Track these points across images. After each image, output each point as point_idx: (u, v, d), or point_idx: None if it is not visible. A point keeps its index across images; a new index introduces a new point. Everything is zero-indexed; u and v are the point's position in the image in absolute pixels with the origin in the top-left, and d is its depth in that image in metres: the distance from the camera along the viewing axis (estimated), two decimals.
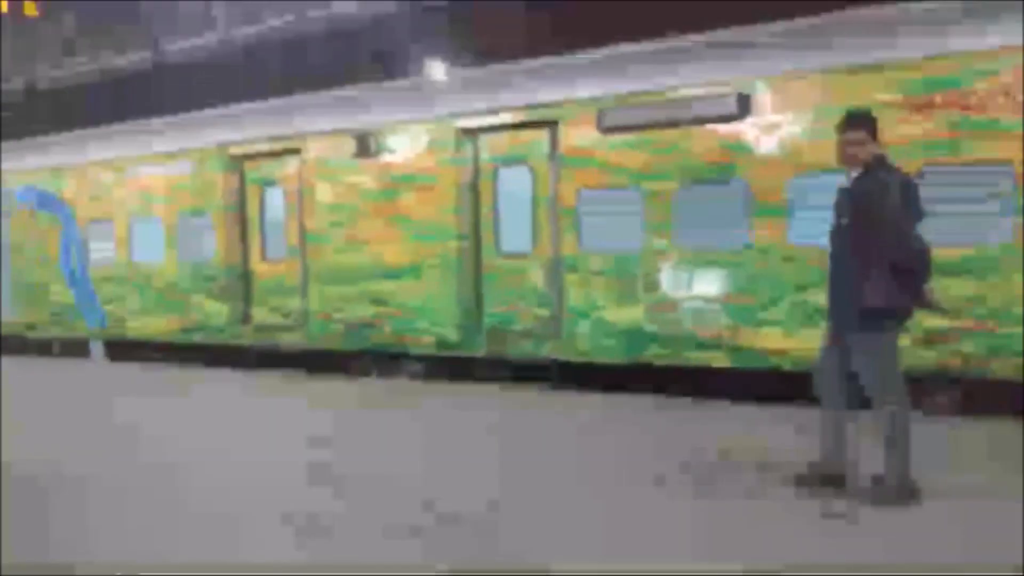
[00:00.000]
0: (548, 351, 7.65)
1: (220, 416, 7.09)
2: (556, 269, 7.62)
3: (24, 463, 5.35)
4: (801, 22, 6.64)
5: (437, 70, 8.98)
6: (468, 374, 8.22)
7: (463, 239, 8.13)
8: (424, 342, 8.34)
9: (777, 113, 6.56)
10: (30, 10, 12.69)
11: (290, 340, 9.31)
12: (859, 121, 4.15)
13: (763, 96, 6.64)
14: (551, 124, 7.65)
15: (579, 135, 7.45)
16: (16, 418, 6.75)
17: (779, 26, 6.77)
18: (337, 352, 9.03)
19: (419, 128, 8.42)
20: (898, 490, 3.97)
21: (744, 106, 6.70)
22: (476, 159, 8.16)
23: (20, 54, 17.51)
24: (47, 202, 11.37)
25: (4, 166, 11.90)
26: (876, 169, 4.05)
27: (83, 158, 11.17)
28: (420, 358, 8.59)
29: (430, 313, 8.24)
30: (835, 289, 4.13)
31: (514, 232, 7.97)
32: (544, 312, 7.71)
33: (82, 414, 7.32)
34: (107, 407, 7.61)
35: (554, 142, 7.65)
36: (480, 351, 8.08)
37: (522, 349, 7.83)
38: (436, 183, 8.24)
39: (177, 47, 14.40)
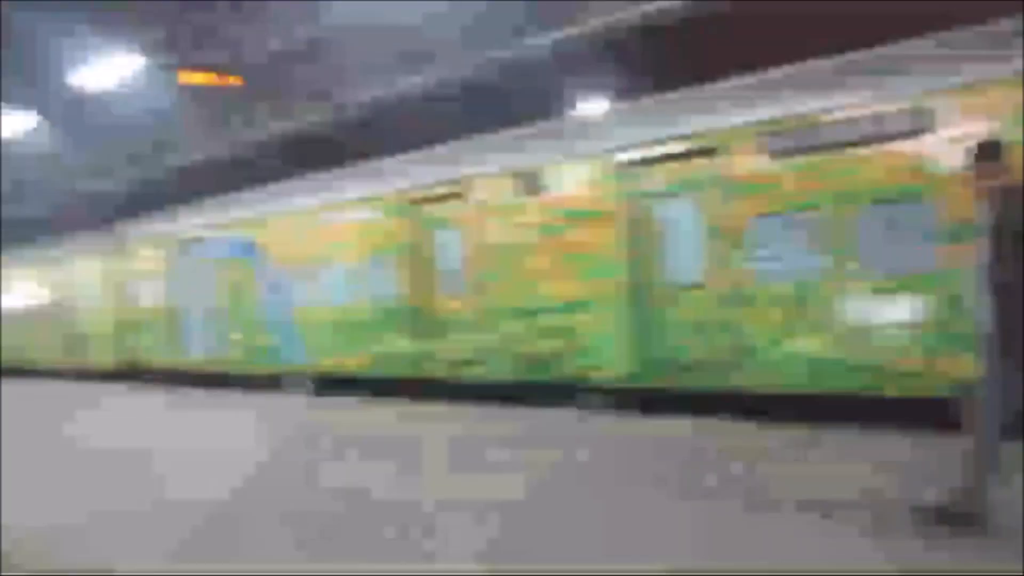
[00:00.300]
0: (730, 382, 7.56)
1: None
2: (732, 299, 7.55)
3: None
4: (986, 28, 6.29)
5: (596, 106, 9.23)
6: (641, 405, 8.28)
7: (634, 272, 8.24)
8: (600, 375, 8.50)
9: (964, 126, 6.21)
10: (231, 80, 14.28)
11: (472, 373, 9.77)
12: (990, 151, 4.10)
13: (948, 109, 6.32)
14: (718, 150, 7.63)
15: (748, 160, 7.39)
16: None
17: (964, 33, 6.45)
18: (518, 384, 9.37)
19: (581, 164, 8.66)
20: None
21: (927, 121, 6.41)
22: (641, 191, 8.27)
23: (215, 119, 19.61)
24: (251, 251, 12.64)
25: (209, 220, 13.39)
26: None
27: (277, 209, 12.36)
28: (596, 390, 8.75)
29: (605, 346, 8.40)
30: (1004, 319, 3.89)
31: (685, 263, 8.00)
32: (723, 342, 7.65)
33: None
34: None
35: (724, 168, 7.62)
36: (657, 382, 8.12)
37: (700, 380, 7.80)
38: (602, 217, 8.43)
39: (357, 101, 15.59)
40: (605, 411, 8.61)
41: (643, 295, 8.21)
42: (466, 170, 9.83)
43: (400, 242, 10.44)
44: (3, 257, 21.41)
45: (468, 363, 9.80)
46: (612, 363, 8.37)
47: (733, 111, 7.64)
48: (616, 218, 8.34)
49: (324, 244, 11.48)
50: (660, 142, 8.10)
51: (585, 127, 9.27)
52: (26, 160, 24.75)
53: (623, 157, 8.31)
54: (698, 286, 7.87)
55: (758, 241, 7.34)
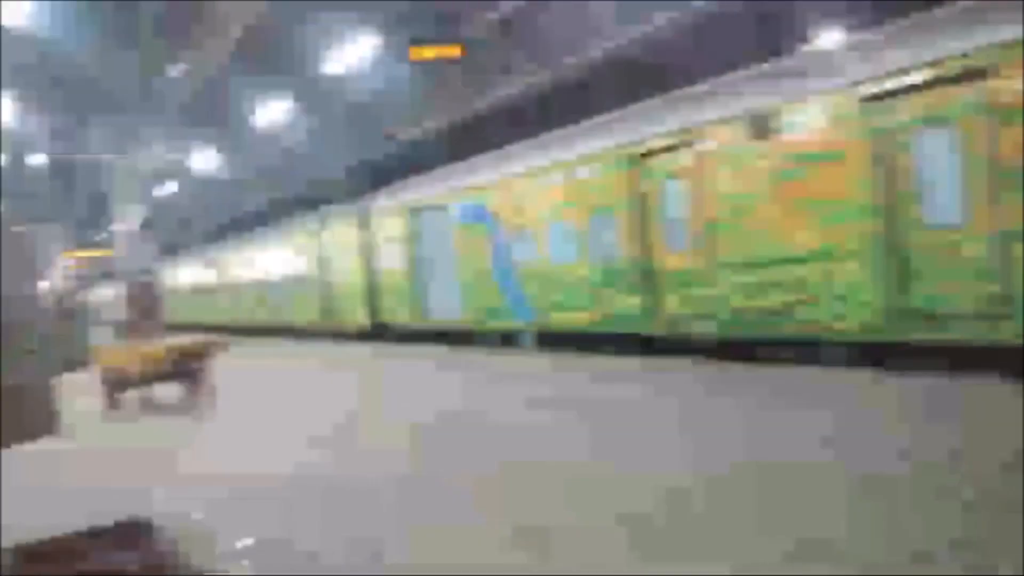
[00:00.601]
0: (1004, 334, 6.67)
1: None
2: (1001, 240, 6.64)
3: None
4: None
5: (830, 37, 8.46)
6: (890, 361, 7.59)
7: (879, 215, 7.53)
8: (841, 328, 7.90)
9: None
10: (453, 52, 14.92)
11: (700, 329, 9.51)
12: None
13: None
14: (984, 71, 6.69)
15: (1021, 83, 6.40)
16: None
17: None
18: (746, 340, 8.99)
19: (819, 101, 8.00)
20: None
21: None
22: (889, 126, 7.49)
23: (441, 94, 20.62)
24: (480, 215, 13.20)
25: (443, 188, 14.13)
26: None
27: (503, 174, 12.75)
28: (837, 344, 8.15)
29: (847, 297, 7.78)
30: None
31: (942, 203, 7.14)
32: (992, 290, 6.76)
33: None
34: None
35: (992, 92, 6.67)
36: (910, 335, 7.39)
37: (964, 332, 6.97)
38: (844, 158, 7.75)
39: (575, 61, 15.65)
40: (843, 367, 8.02)
41: (890, 240, 7.47)
42: (691, 118, 9.49)
43: (622, 199, 10.34)
44: (262, 232, 24.23)
45: (691, 319, 9.55)
46: (853, 316, 7.74)
47: (1005, 24, 6.63)
48: (856, 157, 7.63)
49: (547, 204, 11.68)
50: (910, 69, 7.25)
51: (821, 61, 8.53)
52: (283, 145, 27.72)
53: (866, 90, 7.56)
54: (956, 228, 7.02)
55: None
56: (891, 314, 7.45)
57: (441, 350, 13.68)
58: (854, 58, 8.04)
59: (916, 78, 7.16)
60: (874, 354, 7.77)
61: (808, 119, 8.07)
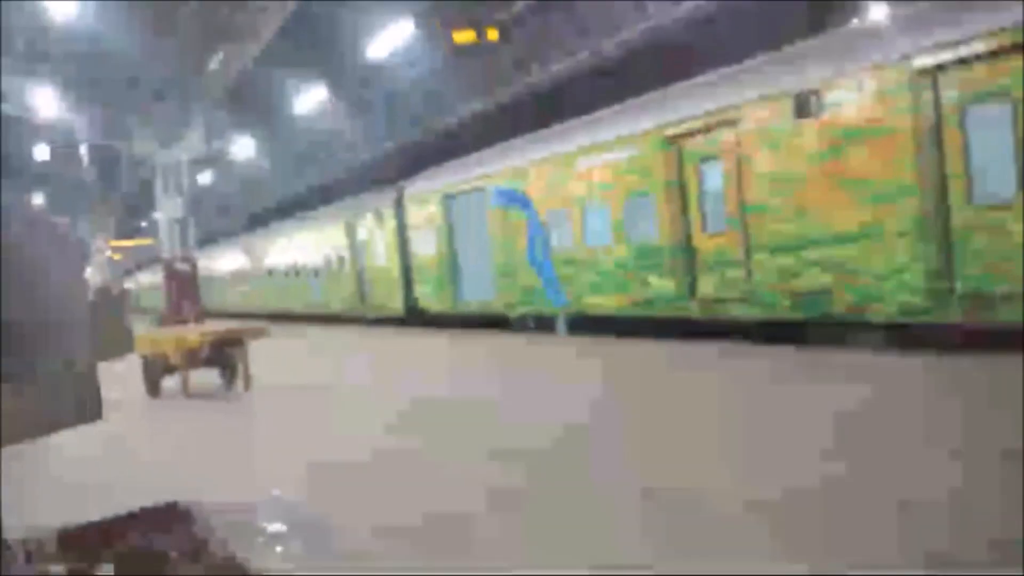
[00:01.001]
0: None
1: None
2: None
3: None
4: None
5: (878, 9, 8.16)
6: (933, 342, 7.36)
7: (926, 194, 7.27)
8: (884, 309, 7.68)
9: None
10: (492, 35, 14.79)
11: (737, 311, 9.33)
12: None
13: None
14: None
15: None
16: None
17: None
18: (787, 322, 8.81)
19: (865, 76, 7.73)
20: None
21: None
22: (939, 102, 7.21)
23: (482, 76, 20.51)
24: (514, 199, 13.10)
25: (480, 171, 14.04)
26: None
27: (538, 156, 12.61)
28: (881, 326, 7.93)
29: (891, 277, 7.55)
30: None
31: (992, 179, 6.87)
32: None
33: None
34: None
35: None
36: (955, 317, 7.15)
37: (1012, 314, 6.71)
38: (890, 135, 7.49)
39: (612, 42, 15.41)
40: (884, 349, 7.82)
41: (936, 219, 7.21)
42: (729, 98, 9.26)
43: (658, 181, 10.16)
44: (299, 219, 24.42)
45: (728, 300, 9.38)
46: (896, 297, 7.51)
47: None
48: (903, 135, 7.37)
49: (581, 187, 11.54)
50: (965, 41, 6.95)
51: (869, 34, 8.24)
52: (317, 132, 27.89)
53: (918, 63, 7.28)
54: (1006, 206, 6.74)
55: None
56: (937, 295, 7.21)
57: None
58: (901, 29, 7.74)
59: (974, 48, 6.87)
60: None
61: (855, 94, 7.81)
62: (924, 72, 7.21)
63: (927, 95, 7.22)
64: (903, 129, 7.36)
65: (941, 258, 7.19)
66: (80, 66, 17.52)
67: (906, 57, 7.34)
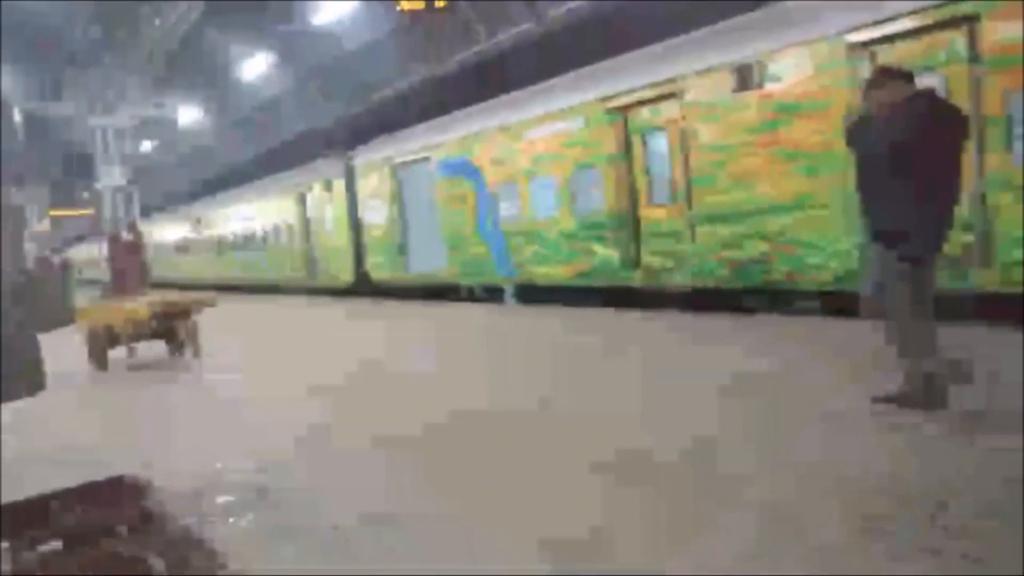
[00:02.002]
0: (975, 282, 6.77)
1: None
2: (986, 188, 6.66)
3: None
4: None
5: None
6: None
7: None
8: (820, 279, 7.98)
9: None
10: (440, 2, 14.65)
11: (678, 281, 9.58)
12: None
13: None
14: (968, 20, 6.65)
15: (1014, 26, 6.34)
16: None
17: None
18: (723, 291, 9.08)
19: (804, 51, 7.94)
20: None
21: None
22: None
23: (430, 44, 20.30)
24: (463, 169, 13.11)
25: (429, 140, 13.99)
26: None
27: (486, 126, 12.63)
28: (815, 295, 8.25)
29: (825, 247, 7.84)
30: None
31: None
32: (967, 239, 6.82)
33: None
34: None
35: (974, 42, 6.64)
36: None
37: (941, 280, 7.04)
38: (827, 108, 7.73)
39: (559, 11, 15.39)
40: (814, 315, 8.17)
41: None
42: (673, 70, 9.40)
43: (603, 152, 10.29)
44: (246, 188, 24.00)
45: (670, 271, 9.61)
46: (830, 266, 7.81)
47: None
48: (839, 108, 7.60)
49: (528, 158, 11.61)
50: (895, 17, 7.16)
51: (809, 10, 8.42)
52: (264, 100, 27.30)
53: (853, 38, 7.49)
54: None
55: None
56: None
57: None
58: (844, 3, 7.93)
59: (904, 24, 7.09)
60: None
61: (794, 68, 8.01)
62: (862, 45, 7.43)
63: (862, 70, 7.44)
64: (838, 103, 7.59)
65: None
66: (7, 27, 16.83)
67: (844, 31, 7.55)
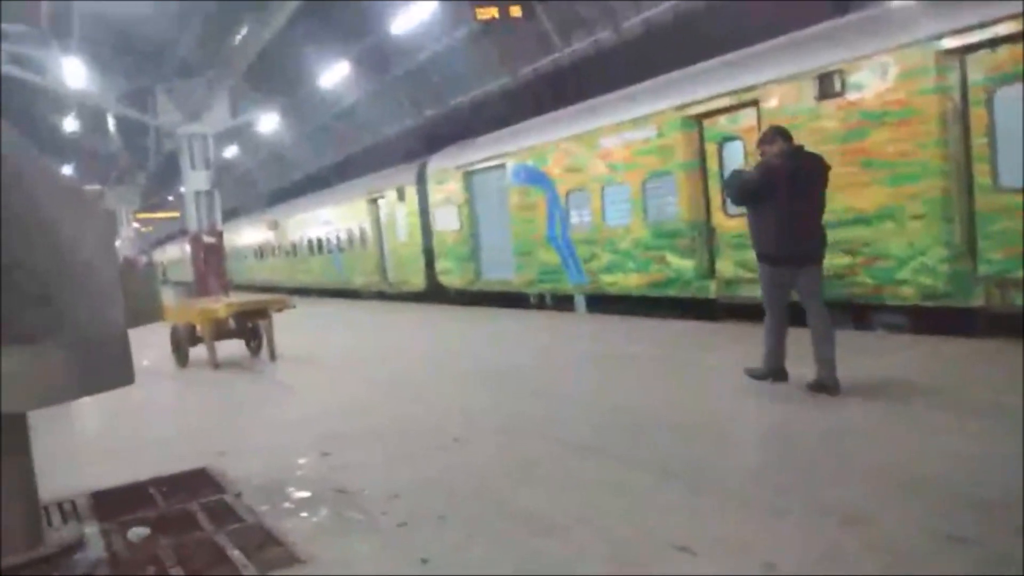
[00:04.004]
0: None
1: None
2: None
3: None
4: None
5: None
6: (958, 327, 7.35)
7: (949, 176, 7.23)
8: (904, 293, 7.68)
9: None
10: (515, 12, 14.75)
11: (754, 293, 9.34)
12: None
13: None
14: None
15: None
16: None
17: None
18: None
19: (889, 58, 7.67)
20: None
21: None
22: (964, 83, 7.15)
23: (505, 53, 20.45)
24: (534, 177, 13.13)
25: (501, 149, 14.07)
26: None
27: (559, 135, 12.62)
28: (900, 309, 7.94)
29: (912, 260, 7.54)
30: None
31: (1020, 163, 6.82)
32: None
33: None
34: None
35: None
36: (976, 301, 7.14)
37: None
38: (913, 116, 7.45)
39: (637, 20, 15.30)
40: (900, 331, 7.85)
41: (959, 202, 7.19)
42: (752, 78, 9.21)
43: (678, 161, 10.16)
44: (322, 194, 24.58)
45: (748, 281, 9.39)
46: (917, 280, 7.51)
47: None
48: (927, 117, 7.32)
49: (601, 166, 11.55)
50: (993, 22, 6.86)
51: (895, 16, 8.16)
52: (341, 108, 27.94)
53: (945, 45, 7.20)
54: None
55: None
56: (959, 279, 7.21)
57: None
58: (934, 9, 7.64)
59: (1001, 30, 6.79)
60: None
61: (879, 75, 7.75)
62: (951, 53, 7.14)
63: (952, 77, 7.16)
64: (926, 111, 7.31)
65: (964, 241, 7.17)
66: (108, 40, 17.69)
67: (934, 37, 7.27)
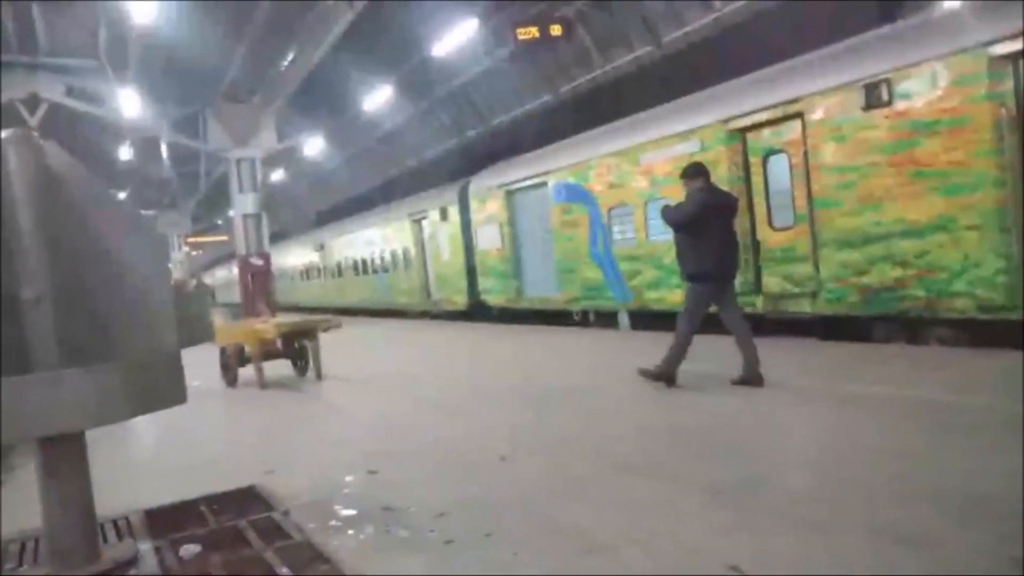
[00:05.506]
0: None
1: None
2: None
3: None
4: None
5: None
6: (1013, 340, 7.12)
7: (1005, 185, 7.03)
8: (959, 305, 7.46)
9: None
10: (555, 31, 14.89)
11: (801, 308, 9.19)
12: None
13: None
14: None
15: None
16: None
17: None
18: (854, 318, 8.64)
19: (939, 65, 7.52)
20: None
21: None
22: (1018, 89, 6.97)
23: (545, 71, 20.56)
24: (576, 194, 13.13)
25: (543, 167, 14.11)
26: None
27: (601, 151, 12.61)
28: (954, 323, 7.72)
29: (966, 272, 7.33)
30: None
31: None
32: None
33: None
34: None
35: None
36: None
37: None
38: (965, 125, 7.27)
39: (678, 34, 15.27)
40: (957, 345, 7.62)
41: (1017, 211, 6.98)
42: (795, 90, 9.11)
43: (722, 174, 10.04)
44: (365, 215, 24.91)
45: (794, 296, 9.23)
46: (973, 292, 7.29)
47: None
48: (981, 124, 7.14)
49: (644, 182, 11.50)
50: None
51: (947, 22, 8.00)
52: (384, 130, 28.35)
53: (997, 50, 7.03)
54: None
55: None
56: (1016, 291, 6.99)
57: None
58: (983, 13, 7.48)
59: None
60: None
61: (928, 83, 7.59)
62: (1004, 58, 6.97)
63: (1007, 83, 6.98)
64: (980, 119, 7.14)
65: (1021, 252, 6.96)
66: (159, 68, 18.26)
67: (985, 43, 7.11)
